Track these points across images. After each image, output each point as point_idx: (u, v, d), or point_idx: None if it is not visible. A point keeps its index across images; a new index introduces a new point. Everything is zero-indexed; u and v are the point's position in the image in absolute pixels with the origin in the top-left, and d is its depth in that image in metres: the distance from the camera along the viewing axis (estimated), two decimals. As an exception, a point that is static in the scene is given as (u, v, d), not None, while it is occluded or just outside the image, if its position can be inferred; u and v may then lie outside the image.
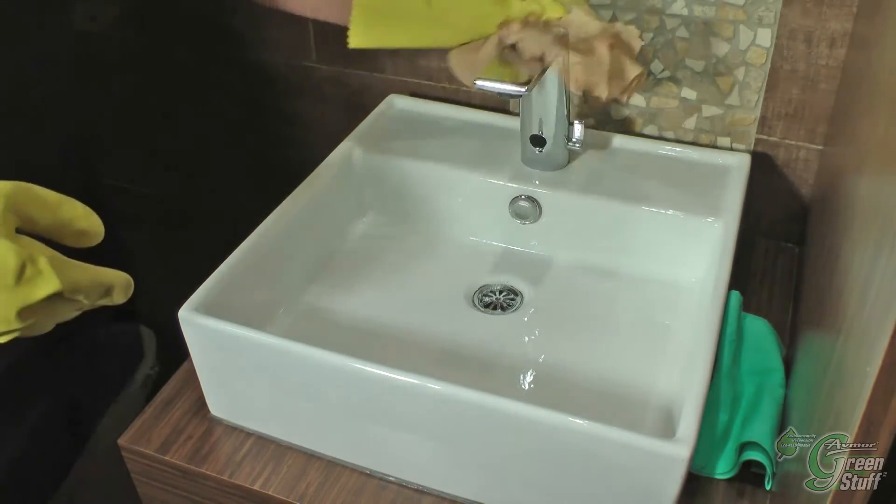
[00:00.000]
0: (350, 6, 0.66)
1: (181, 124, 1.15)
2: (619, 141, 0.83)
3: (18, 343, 0.46)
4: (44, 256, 0.42)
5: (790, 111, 0.79)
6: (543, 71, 0.69)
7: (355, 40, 0.67)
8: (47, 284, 0.42)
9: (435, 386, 0.57)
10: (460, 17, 0.66)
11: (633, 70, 0.69)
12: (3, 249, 0.41)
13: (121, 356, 0.86)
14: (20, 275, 0.41)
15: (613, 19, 0.80)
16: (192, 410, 0.70)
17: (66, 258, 0.44)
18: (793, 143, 0.81)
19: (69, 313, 0.46)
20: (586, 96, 0.73)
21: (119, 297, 0.46)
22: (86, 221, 0.45)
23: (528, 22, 0.67)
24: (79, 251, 0.46)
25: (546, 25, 0.67)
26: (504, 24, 0.67)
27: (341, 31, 0.68)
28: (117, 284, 0.46)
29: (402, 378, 0.58)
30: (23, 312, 0.42)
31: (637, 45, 0.69)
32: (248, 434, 0.68)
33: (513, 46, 0.68)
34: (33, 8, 0.60)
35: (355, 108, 0.91)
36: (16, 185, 0.43)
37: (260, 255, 0.71)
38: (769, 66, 0.78)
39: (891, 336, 0.35)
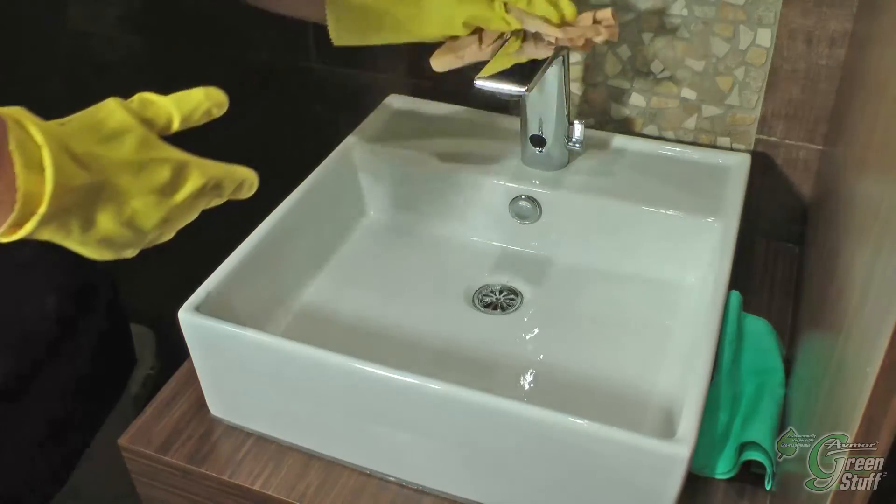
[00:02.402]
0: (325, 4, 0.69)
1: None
2: (620, 141, 0.83)
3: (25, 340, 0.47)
4: (191, 158, 0.47)
5: (790, 111, 0.79)
6: (544, 70, 0.69)
7: (336, 38, 0.70)
8: (194, 180, 0.47)
9: (435, 386, 0.57)
10: (430, 15, 0.69)
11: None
12: (156, 164, 0.45)
13: (113, 363, 0.86)
14: (172, 182, 0.46)
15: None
16: (192, 410, 0.70)
17: (202, 159, 0.48)
18: (793, 143, 0.81)
19: (196, 212, 0.50)
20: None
21: (247, 192, 0.51)
22: (208, 101, 0.49)
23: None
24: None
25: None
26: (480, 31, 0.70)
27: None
28: (247, 180, 0.51)
29: (402, 378, 0.58)
30: (172, 211, 0.46)
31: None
32: (248, 434, 0.68)
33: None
34: (30, 6, 0.60)
35: (355, 108, 0.91)
36: (138, 100, 0.47)
37: (260, 254, 0.71)
38: (769, 66, 0.78)
39: (891, 336, 0.35)
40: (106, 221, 0.44)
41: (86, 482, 0.80)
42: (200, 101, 0.48)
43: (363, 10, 0.69)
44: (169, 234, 0.50)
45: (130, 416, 0.70)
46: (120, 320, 0.86)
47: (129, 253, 0.48)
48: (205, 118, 0.49)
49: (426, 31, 0.70)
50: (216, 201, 0.51)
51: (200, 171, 0.47)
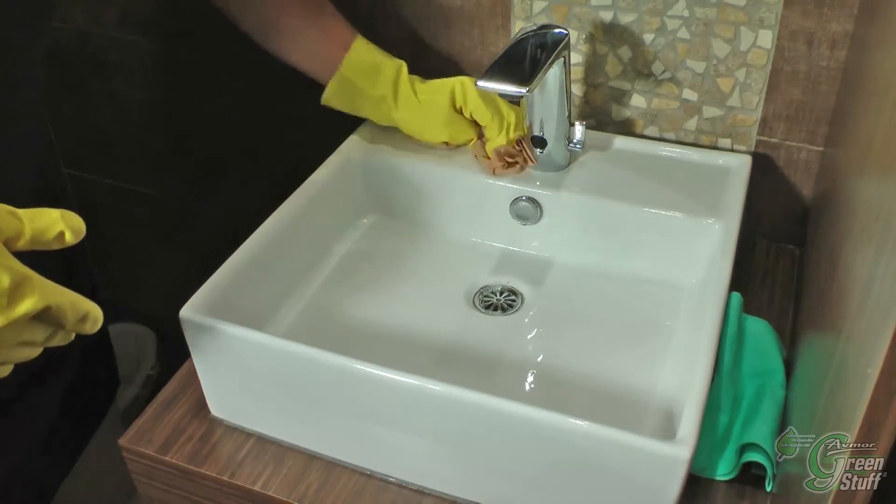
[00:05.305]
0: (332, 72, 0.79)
1: (182, 124, 1.15)
2: (620, 142, 0.83)
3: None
4: (33, 275, 0.43)
5: (791, 112, 0.79)
6: (545, 71, 0.69)
7: (326, 101, 0.80)
8: (32, 299, 0.42)
9: (435, 387, 0.57)
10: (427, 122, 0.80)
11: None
12: None
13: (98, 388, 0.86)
14: (9, 295, 0.41)
15: (614, 20, 0.80)
16: (193, 411, 0.70)
17: (46, 280, 0.44)
18: (794, 144, 0.81)
19: (35, 349, 0.46)
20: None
21: (91, 327, 0.47)
22: (63, 223, 0.45)
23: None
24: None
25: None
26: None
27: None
28: (91, 313, 0.46)
29: (403, 379, 0.58)
30: (5, 331, 0.42)
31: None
32: (249, 434, 0.68)
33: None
34: (26, 7, 0.59)
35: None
36: None
37: (261, 255, 0.71)
38: (770, 67, 0.78)
39: (891, 338, 0.35)
40: None
41: (72, 500, 0.80)
42: (55, 221, 0.45)
43: (359, 93, 0.79)
44: (3, 369, 0.46)
45: (119, 434, 0.70)
46: (104, 340, 0.86)
47: None
48: (57, 243, 0.45)
49: (426, 135, 0.81)
50: (60, 338, 0.47)
51: (42, 293, 0.43)
